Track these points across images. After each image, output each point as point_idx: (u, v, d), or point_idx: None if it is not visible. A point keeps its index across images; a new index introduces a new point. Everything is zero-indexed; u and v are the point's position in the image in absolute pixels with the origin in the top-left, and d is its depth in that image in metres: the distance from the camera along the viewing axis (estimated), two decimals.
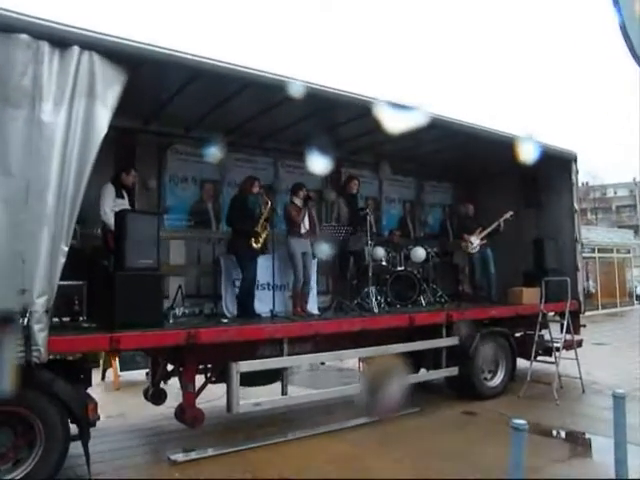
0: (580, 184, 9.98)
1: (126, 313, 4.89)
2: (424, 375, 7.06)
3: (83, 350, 4.72)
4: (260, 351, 5.77)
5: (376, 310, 6.82)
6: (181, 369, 5.55)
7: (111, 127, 7.06)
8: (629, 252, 25.82)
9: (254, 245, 6.44)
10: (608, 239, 24.69)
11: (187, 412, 5.38)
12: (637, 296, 26.71)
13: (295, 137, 8.44)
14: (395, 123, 7.48)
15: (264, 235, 6.55)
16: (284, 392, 5.69)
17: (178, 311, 6.13)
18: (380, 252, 8.31)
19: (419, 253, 8.75)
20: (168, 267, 7.56)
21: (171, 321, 5.80)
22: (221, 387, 5.57)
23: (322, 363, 7.73)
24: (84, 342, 4.62)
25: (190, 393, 5.45)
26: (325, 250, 7.27)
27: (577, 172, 9.27)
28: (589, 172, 38.75)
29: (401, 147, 8.91)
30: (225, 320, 5.98)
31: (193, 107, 7.04)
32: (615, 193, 53.79)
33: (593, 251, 22.13)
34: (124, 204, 6.09)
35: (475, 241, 8.81)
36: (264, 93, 6.56)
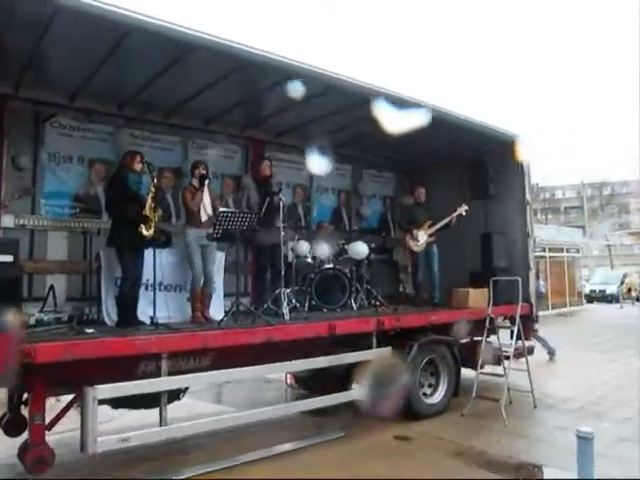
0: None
1: None
2: (343, 396, 5.85)
3: None
4: (136, 369, 4.52)
5: (287, 316, 5.60)
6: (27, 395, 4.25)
7: None
8: (578, 251, 25.55)
9: (144, 232, 5.16)
10: (558, 238, 24.31)
11: (30, 451, 4.07)
12: (586, 295, 26.56)
13: (207, 112, 7.23)
14: (325, 97, 6.41)
15: (156, 219, 5.27)
16: (163, 422, 4.42)
17: (34, 319, 4.77)
18: (304, 247, 7.13)
19: (360, 249, 7.57)
20: (45, 264, 6.26)
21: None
22: None
23: None
24: None
25: (38, 425, 4.13)
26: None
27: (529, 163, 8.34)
28: (541, 176, 39.17)
29: (335, 129, 7.81)
30: (90, 330, 4.66)
31: (79, 68, 5.73)
32: (564, 195, 54.75)
33: (544, 250, 21.62)
34: None
35: (422, 237, 7.73)
36: (165, 50, 5.32)
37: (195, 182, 5.86)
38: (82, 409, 4.04)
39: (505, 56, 79.12)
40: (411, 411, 6.23)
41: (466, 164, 8.80)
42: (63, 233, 6.42)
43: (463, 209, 7.76)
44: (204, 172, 5.89)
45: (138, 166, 5.42)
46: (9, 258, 5.42)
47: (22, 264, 5.66)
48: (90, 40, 5.11)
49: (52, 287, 5.79)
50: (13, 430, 4.99)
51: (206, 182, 5.84)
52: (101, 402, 4.35)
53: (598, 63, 78.96)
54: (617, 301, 27.71)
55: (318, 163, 8.68)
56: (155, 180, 5.56)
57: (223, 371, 4.83)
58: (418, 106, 6.71)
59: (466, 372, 7.10)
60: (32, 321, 4.73)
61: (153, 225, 5.28)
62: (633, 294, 29.23)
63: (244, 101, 6.80)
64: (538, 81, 77.83)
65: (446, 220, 7.71)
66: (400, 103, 6.56)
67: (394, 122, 7.11)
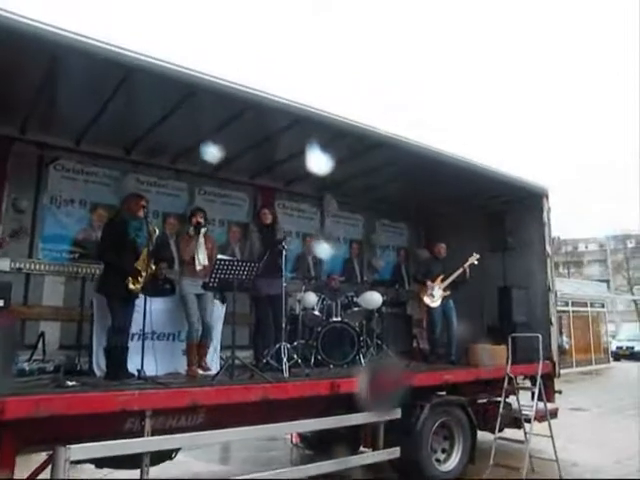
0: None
1: None
2: (355, 460, 5.38)
3: None
4: (121, 427, 4.16)
5: (286, 373, 5.21)
6: None
7: None
8: (603, 306, 24.68)
9: (131, 286, 4.88)
10: (582, 292, 23.56)
11: None
12: (612, 352, 25.41)
13: (215, 159, 7.08)
14: (336, 143, 6.22)
15: (145, 274, 4.98)
16: None
17: (15, 368, 4.46)
18: (311, 298, 6.78)
19: (374, 298, 7.13)
20: (40, 309, 6.03)
21: None
22: None
23: None
24: None
25: None
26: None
27: (549, 210, 8.00)
28: (561, 228, 38.52)
29: (346, 177, 7.62)
30: (71, 383, 4.33)
31: (85, 111, 5.66)
32: (586, 248, 53.71)
33: (566, 304, 20.89)
34: None
35: (437, 292, 7.34)
36: (169, 93, 5.21)
37: (191, 230, 5.62)
38: (52, 472, 3.66)
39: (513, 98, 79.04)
40: (422, 478, 5.71)
41: (483, 214, 8.50)
42: (60, 278, 6.22)
43: (474, 258, 7.40)
44: (201, 220, 5.65)
45: (141, 212, 5.17)
46: (0, 302, 5.27)
47: (13, 309, 5.46)
48: (95, 82, 5.05)
49: (42, 334, 5.53)
50: None
51: (202, 231, 5.60)
52: (78, 462, 4.01)
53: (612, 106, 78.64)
54: None
55: (332, 212, 8.54)
56: (157, 231, 5.31)
57: (215, 432, 4.41)
58: (431, 153, 6.47)
59: (483, 436, 6.57)
60: (13, 371, 4.41)
61: (141, 280, 4.98)
62: None
63: (252, 147, 6.65)
64: (553, 132, 77.65)
65: (458, 272, 7.33)
66: (412, 149, 6.33)
67: (406, 169, 6.91)
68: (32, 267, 6.06)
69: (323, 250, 7.07)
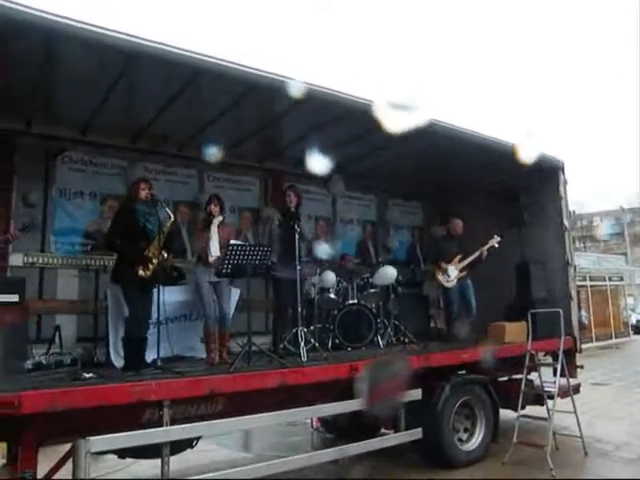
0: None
1: None
2: (377, 442, 5.34)
3: None
4: (140, 417, 4.13)
5: (304, 357, 5.15)
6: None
7: None
8: (622, 279, 24.35)
9: (140, 273, 4.82)
10: (600, 266, 23.26)
11: None
12: (632, 326, 25.09)
13: (224, 143, 6.98)
14: (344, 121, 6.08)
15: (156, 261, 4.92)
16: (164, 475, 3.99)
17: (30, 362, 4.44)
18: (330, 277, 6.68)
19: (389, 273, 7.01)
20: (55, 303, 6.01)
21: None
22: None
23: None
24: None
25: None
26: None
27: (566, 183, 7.82)
28: (577, 201, 37.93)
29: (359, 156, 7.48)
30: (88, 375, 4.30)
31: (89, 101, 5.58)
32: (601, 221, 53.01)
33: (584, 279, 20.63)
34: None
35: (453, 272, 7.22)
36: (176, 79, 5.13)
37: (203, 220, 5.54)
38: (74, 463, 3.65)
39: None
40: (445, 458, 5.66)
41: (497, 190, 8.33)
42: (73, 271, 6.19)
43: (495, 241, 7.26)
44: (215, 209, 5.58)
45: (143, 193, 5.08)
46: (14, 298, 5.26)
47: (28, 304, 5.45)
48: (96, 70, 4.95)
49: (58, 328, 5.53)
50: None
51: (215, 221, 5.54)
52: (99, 453, 4.00)
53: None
54: None
55: (339, 193, 8.41)
56: (172, 217, 5.23)
57: (235, 419, 4.38)
58: (444, 129, 6.32)
59: (505, 414, 6.49)
60: (29, 365, 4.39)
61: (152, 267, 4.91)
62: None
63: (260, 130, 6.54)
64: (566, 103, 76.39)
65: (476, 254, 7.21)
66: (424, 126, 6.18)
67: (419, 147, 6.76)
68: (45, 261, 6.04)
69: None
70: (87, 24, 4.15)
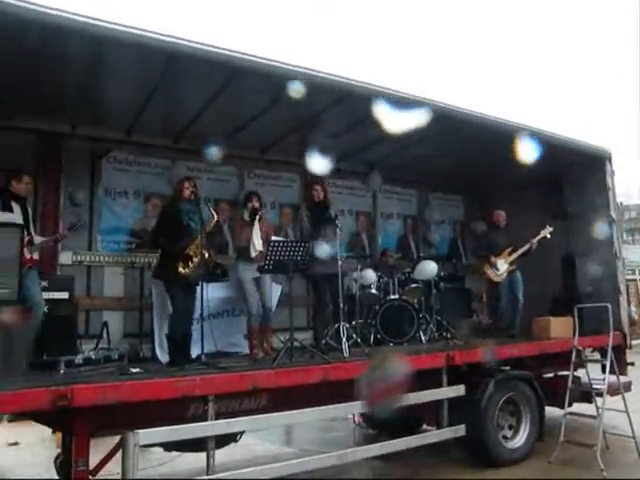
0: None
1: None
2: (419, 439, 5.32)
3: None
4: (186, 411, 4.21)
5: (346, 353, 5.15)
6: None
7: (31, 131, 6.06)
8: None
9: (180, 270, 4.91)
10: None
11: None
12: None
13: (262, 140, 7.05)
14: (389, 117, 6.02)
15: (197, 259, 5.00)
16: (210, 470, 4.06)
17: (81, 357, 4.57)
18: (369, 275, 6.68)
19: (429, 267, 6.94)
20: (102, 300, 6.20)
21: (62, 371, 4.28)
22: None
23: None
24: None
25: (81, 472, 3.88)
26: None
27: (613, 174, 7.58)
28: (624, 192, 36.74)
29: (398, 151, 7.44)
30: (135, 370, 4.43)
31: (132, 102, 5.73)
32: None
33: (633, 272, 19.98)
34: (13, 218, 4.64)
35: (502, 266, 7.10)
36: (216, 78, 5.20)
37: (245, 215, 5.60)
38: (123, 455, 3.76)
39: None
40: (488, 456, 5.57)
41: (541, 182, 8.15)
42: (119, 269, 6.36)
43: (547, 232, 7.09)
44: (257, 205, 5.62)
45: (187, 192, 5.18)
46: (65, 295, 5.45)
47: (77, 301, 5.63)
48: (139, 72, 5.08)
49: (106, 324, 5.68)
50: (67, 473, 4.78)
51: (257, 217, 5.58)
52: (147, 446, 4.09)
53: None
54: None
55: (377, 188, 8.37)
56: (216, 217, 5.31)
57: (277, 414, 4.42)
58: (485, 121, 6.22)
59: (551, 412, 6.35)
60: (79, 360, 4.54)
61: (192, 264, 4.99)
62: None
63: (299, 126, 6.56)
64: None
65: (527, 246, 7.06)
66: (465, 118, 6.10)
67: (459, 139, 6.67)
68: (92, 259, 6.23)
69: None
70: (131, 27, 4.25)
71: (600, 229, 7.52)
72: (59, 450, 4.94)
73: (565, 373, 6.34)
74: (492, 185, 8.77)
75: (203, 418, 4.08)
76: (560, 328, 6.66)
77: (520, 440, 5.87)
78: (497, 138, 6.53)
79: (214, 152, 6.92)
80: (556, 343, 6.48)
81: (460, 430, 5.35)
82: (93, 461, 4.04)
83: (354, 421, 7.53)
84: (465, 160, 7.70)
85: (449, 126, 6.31)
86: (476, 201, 9.42)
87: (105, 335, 5.61)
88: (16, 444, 6.96)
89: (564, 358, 6.33)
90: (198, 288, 5.06)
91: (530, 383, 6.05)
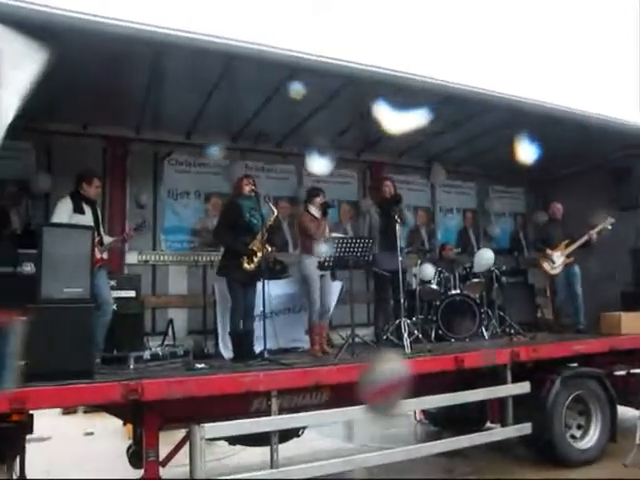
0: None
1: (40, 360, 3.57)
2: (484, 436, 5.22)
3: None
4: (249, 406, 4.30)
5: (408, 349, 5.11)
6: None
7: (100, 137, 6.34)
8: None
9: (245, 266, 5.00)
10: None
11: None
12: None
13: (321, 137, 7.06)
14: (442, 109, 5.93)
15: (260, 254, 5.08)
16: (274, 464, 4.13)
17: (148, 353, 4.74)
18: (428, 271, 6.60)
19: (486, 256, 6.82)
20: (167, 298, 6.40)
21: (131, 367, 4.45)
22: None
23: None
24: None
25: (152, 462, 4.03)
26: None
27: None
28: None
29: (457, 143, 7.31)
30: (200, 366, 4.55)
31: (191, 105, 5.89)
32: None
33: None
34: (84, 220, 4.85)
35: (558, 259, 6.89)
36: (273, 77, 5.27)
37: (314, 210, 5.62)
38: (190, 448, 3.88)
39: None
40: (556, 456, 5.38)
41: (608, 170, 7.81)
42: (183, 267, 6.55)
43: (608, 223, 6.81)
44: (326, 201, 5.66)
45: (247, 188, 5.25)
46: (132, 293, 5.68)
47: (143, 299, 5.84)
48: (199, 76, 5.19)
49: (171, 321, 5.86)
50: (137, 462, 4.97)
51: (329, 211, 5.63)
52: (213, 439, 4.20)
53: None
54: None
55: (440, 182, 8.26)
56: (275, 212, 5.40)
57: (339, 410, 4.44)
58: (546, 109, 6.01)
59: (625, 412, 6.08)
60: (147, 355, 4.70)
61: (256, 260, 5.07)
62: None
63: (357, 122, 6.54)
64: None
65: (584, 238, 6.81)
66: (525, 108, 5.92)
67: (520, 130, 6.48)
68: (157, 258, 6.45)
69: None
70: (189, 32, 4.35)
71: None
72: (130, 441, 5.16)
73: (638, 371, 6.08)
74: (555, 176, 8.50)
75: (266, 413, 4.15)
76: (632, 324, 6.36)
77: (590, 441, 5.64)
78: (563, 127, 6.31)
79: (271, 150, 7.09)
80: (628, 339, 6.20)
81: (526, 428, 5.21)
82: (162, 452, 4.20)
83: (415, 417, 7.46)
84: (528, 151, 7.47)
85: (513, 117, 6.16)
86: (539, 192, 9.15)
87: (170, 332, 5.77)
88: (91, 434, 7.29)
89: (637, 355, 6.07)
90: (259, 284, 5.14)
91: (600, 381, 5.81)
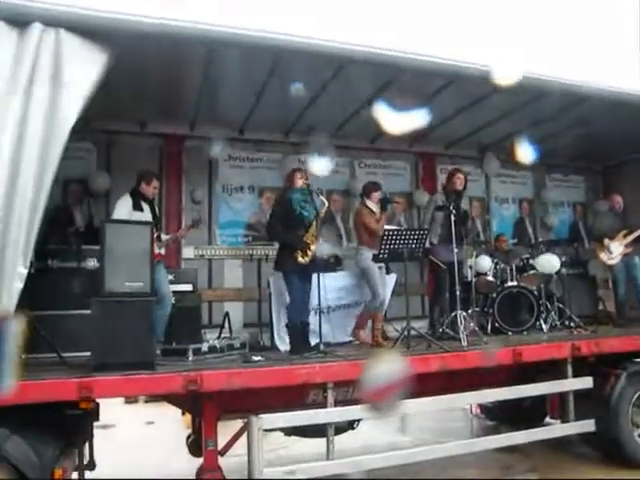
0: None
1: (105, 351, 3.73)
2: (542, 432, 5.08)
3: (39, 399, 3.56)
4: (305, 398, 4.36)
5: (464, 342, 5.03)
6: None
7: (158, 135, 6.51)
8: None
9: (300, 259, 5.04)
10: None
11: (204, 476, 4.09)
12: None
13: (372, 129, 7.02)
14: (495, 97, 5.77)
15: (314, 247, 5.10)
16: (330, 455, 4.16)
17: (206, 345, 4.85)
18: (484, 263, 6.48)
19: (551, 263, 6.61)
20: (223, 291, 6.53)
21: (190, 359, 4.56)
22: None
23: None
24: (42, 389, 3.50)
25: (211, 451, 4.14)
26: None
27: None
28: None
29: (512, 132, 7.11)
30: (257, 358, 4.61)
31: (244, 100, 5.98)
32: None
33: None
34: (143, 217, 4.99)
35: (616, 249, 6.65)
36: (324, 70, 5.27)
37: (372, 205, 5.64)
38: (248, 438, 3.96)
39: None
40: (621, 454, 5.18)
41: None
42: (238, 261, 6.66)
43: None
44: (386, 196, 5.67)
45: (299, 182, 5.28)
46: (189, 287, 5.82)
47: (200, 292, 5.98)
48: (250, 72, 5.23)
49: (227, 314, 5.96)
50: (196, 451, 5.11)
51: (389, 207, 5.66)
52: (270, 430, 4.27)
53: None
54: None
55: (494, 172, 8.08)
56: (326, 204, 5.40)
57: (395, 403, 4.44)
58: (609, 93, 5.75)
59: None
60: (205, 348, 4.82)
61: (310, 253, 5.09)
62: None
63: (412, 116, 6.44)
64: None
65: None
66: (585, 92, 5.69)
67: (579, 116, 6.25)
68: (213, 253, 6.59)
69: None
70: (240, 28, 4.39)
71: None
72: (189, 430, 5.30)
73: None
74: (615, 161, 8.17)
75: (322, 405, 4.19)
76: None
77: None
78: (624, 111, 6.03)
79: (324, 143, 7.08)
80: None
81: (589, 425, 5.03)
82: (220, 442, 4.30)
83: (471, 412, 7.35)
84: (587, 139, 7.21)
85: (572, 104, 5.94)
86: (599, 180, 8.82)
87: (227, 325, 5.88)
88: (152, 423, 7.55)
89: None
90: (314, 277, 5.17)
91: None
